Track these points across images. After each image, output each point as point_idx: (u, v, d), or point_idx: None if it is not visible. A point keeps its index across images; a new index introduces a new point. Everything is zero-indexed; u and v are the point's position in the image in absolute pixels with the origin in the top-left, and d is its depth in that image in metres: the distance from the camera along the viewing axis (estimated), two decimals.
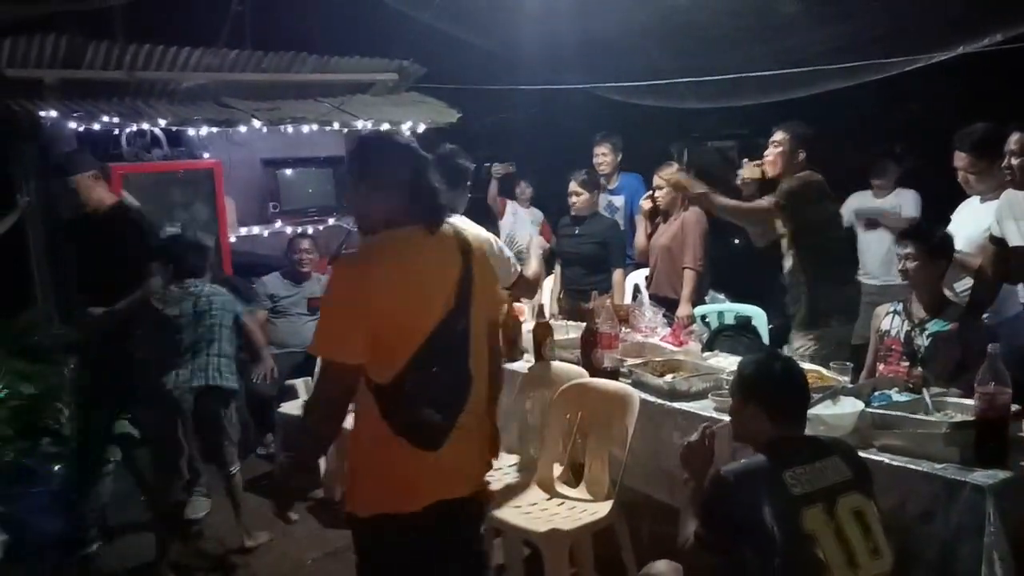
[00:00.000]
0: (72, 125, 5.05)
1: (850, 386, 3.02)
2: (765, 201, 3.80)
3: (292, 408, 4.68)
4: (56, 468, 3.98)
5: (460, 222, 3.27)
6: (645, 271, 5.31)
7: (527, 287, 3.64)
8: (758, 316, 4.31)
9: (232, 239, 5.86)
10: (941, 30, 4.63)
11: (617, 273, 4.83)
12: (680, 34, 5.38)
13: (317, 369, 4.81)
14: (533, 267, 3.90)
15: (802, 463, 2.09)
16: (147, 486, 4.26)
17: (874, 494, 2.16)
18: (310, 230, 5.99)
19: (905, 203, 5.19)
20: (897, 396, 2.88)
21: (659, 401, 3.25)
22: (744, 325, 4.32)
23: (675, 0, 5.00)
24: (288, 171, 6.17)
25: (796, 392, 2.24)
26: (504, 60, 6.77)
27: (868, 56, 5.01)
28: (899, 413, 2.67)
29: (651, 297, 4.72)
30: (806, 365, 3.35)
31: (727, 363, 3.58)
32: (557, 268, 5.12)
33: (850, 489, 2.09)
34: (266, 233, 6.05)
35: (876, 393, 2.93)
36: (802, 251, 3.82)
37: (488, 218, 6.47)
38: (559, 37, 5.95)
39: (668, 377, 3.42)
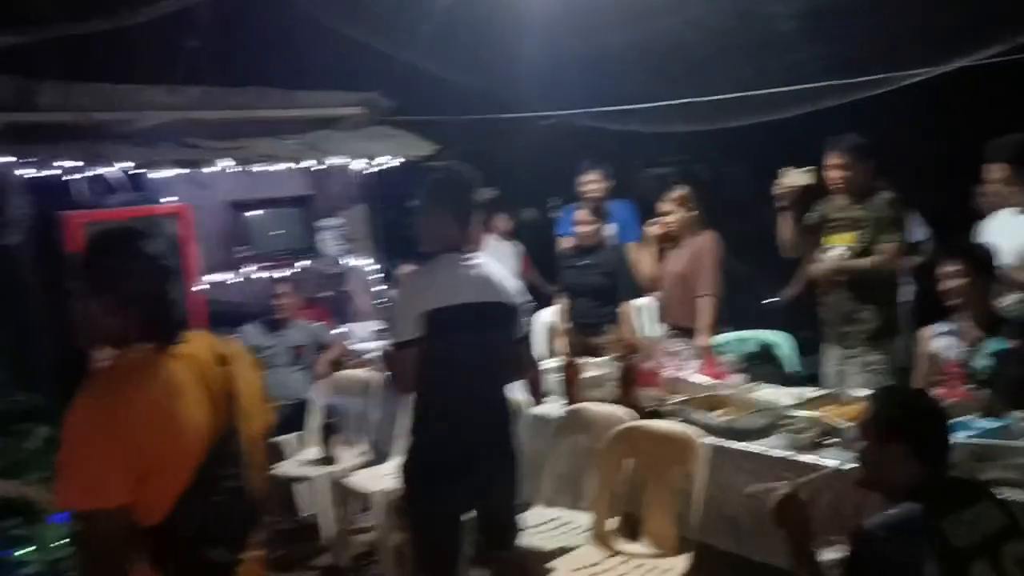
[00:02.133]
0: (25, 172, 4.62)
1: None
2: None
3: (290, 468, 4.31)
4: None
5: (488, 263, 2.79)
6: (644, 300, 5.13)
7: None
8: (783, 342, 4.13)
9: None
10: (936, 46, 4.60)
11: (626, 304, 4.61)
12: (668, 57, 5.26)
13: (310, 422, 4.52)
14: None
15: (957, 509, 1.87)
16: None
17: None
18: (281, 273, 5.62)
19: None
20: (981, 423, 2.71)
21: (716, 441, 3.02)
22: (767, 353, 4.14)
23: (665, 21, 4.88)
24: (255, 213, 5.80)
25: (945, 426, 2.03)
26: (476, 90, 6.57)
27: (861, 74, 4.96)
28: (998, 442, 2.49)
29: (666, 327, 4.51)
30: (864, 392, 3.21)
31: (776, 395, 3.39)
32: (562, 301, 4.87)
33: (1010, 536, 1.88)
34: (234, 280, 5.65)
35: (953, 421, 2.76)
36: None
37: None
38: (535, 67, 5.79)
39: (716, 413, 3.21)
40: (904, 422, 2.00)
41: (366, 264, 6.22)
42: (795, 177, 3.83)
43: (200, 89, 5.37)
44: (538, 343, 4.71)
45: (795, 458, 2.81)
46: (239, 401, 1.90)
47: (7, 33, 4.50)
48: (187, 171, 5.22)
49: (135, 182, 5.29)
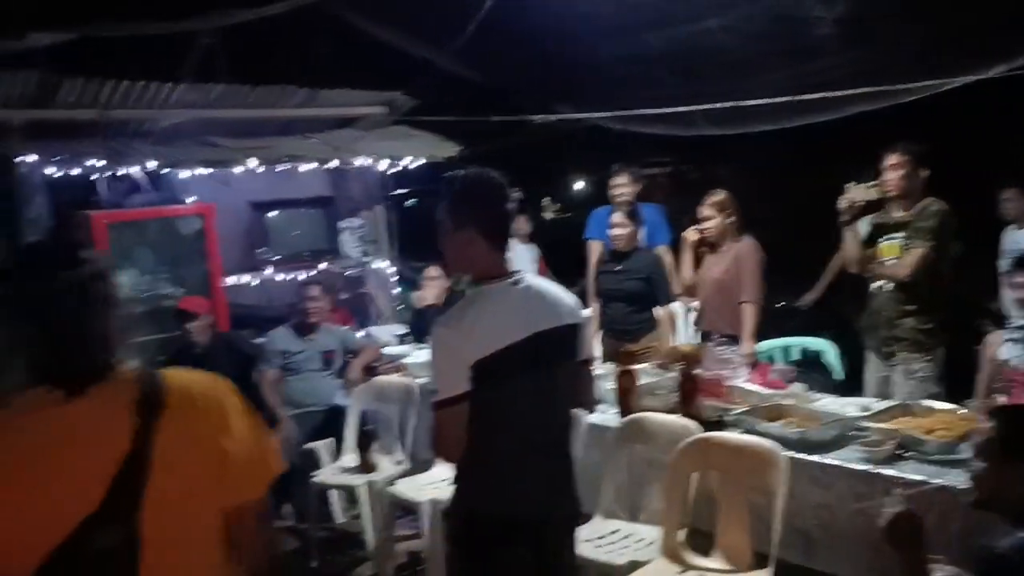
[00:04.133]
0: (50, 170, 4.51)
1: None
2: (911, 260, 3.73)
3: (328, 476, 4.25)
4: None
5: (535, 278, 2.37)
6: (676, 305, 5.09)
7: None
8: (828, 349, 4.11)
9: None
10: (974, 52, 4.60)
11: (664, 310, 4.57)
12: (698, 59, 5.22)
13: (346, 428, 4.43)
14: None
15: None
16: None
17: None
18: (303, 275, 5.53)
19: None
20: None
21: (787, 453, 2.98)
22: (813, 360, 4.12)
23: (703, 25, 4.85)
24: (276, 213, 5.71)
25: None
26: (495, 91, 6.50)
27: (891, 80, 4.95)
28: None
29: (703, 335, 4.48)
30: (936, 404, 3.19)
31: (838, 406, 3.36)
32: (595, 307, 4.82)
33: None
34: (256, 281, 5.55)
35: None
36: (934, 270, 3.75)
37: None
38: (559, 70, 5.73)
39: (779, 424, 3.18)
40: None
41: (386, 266, 6.14)
42: (859, 192, 3.75)
43: (221, 87, 5.25)
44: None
45: (875, 471, 2.78)
46: (149, 473, 1.35)
47: (35, 32, 4.37)
48: (210, 171, 5.13)
49: (157, 181, 5.18)
